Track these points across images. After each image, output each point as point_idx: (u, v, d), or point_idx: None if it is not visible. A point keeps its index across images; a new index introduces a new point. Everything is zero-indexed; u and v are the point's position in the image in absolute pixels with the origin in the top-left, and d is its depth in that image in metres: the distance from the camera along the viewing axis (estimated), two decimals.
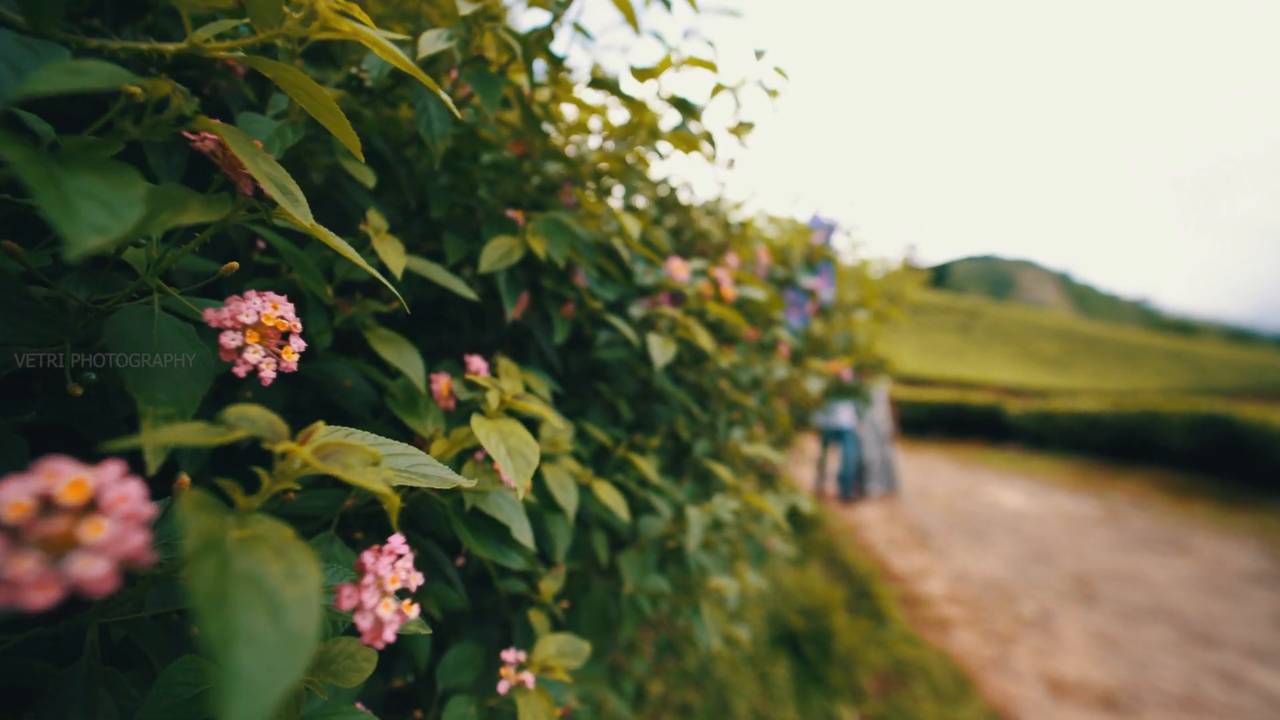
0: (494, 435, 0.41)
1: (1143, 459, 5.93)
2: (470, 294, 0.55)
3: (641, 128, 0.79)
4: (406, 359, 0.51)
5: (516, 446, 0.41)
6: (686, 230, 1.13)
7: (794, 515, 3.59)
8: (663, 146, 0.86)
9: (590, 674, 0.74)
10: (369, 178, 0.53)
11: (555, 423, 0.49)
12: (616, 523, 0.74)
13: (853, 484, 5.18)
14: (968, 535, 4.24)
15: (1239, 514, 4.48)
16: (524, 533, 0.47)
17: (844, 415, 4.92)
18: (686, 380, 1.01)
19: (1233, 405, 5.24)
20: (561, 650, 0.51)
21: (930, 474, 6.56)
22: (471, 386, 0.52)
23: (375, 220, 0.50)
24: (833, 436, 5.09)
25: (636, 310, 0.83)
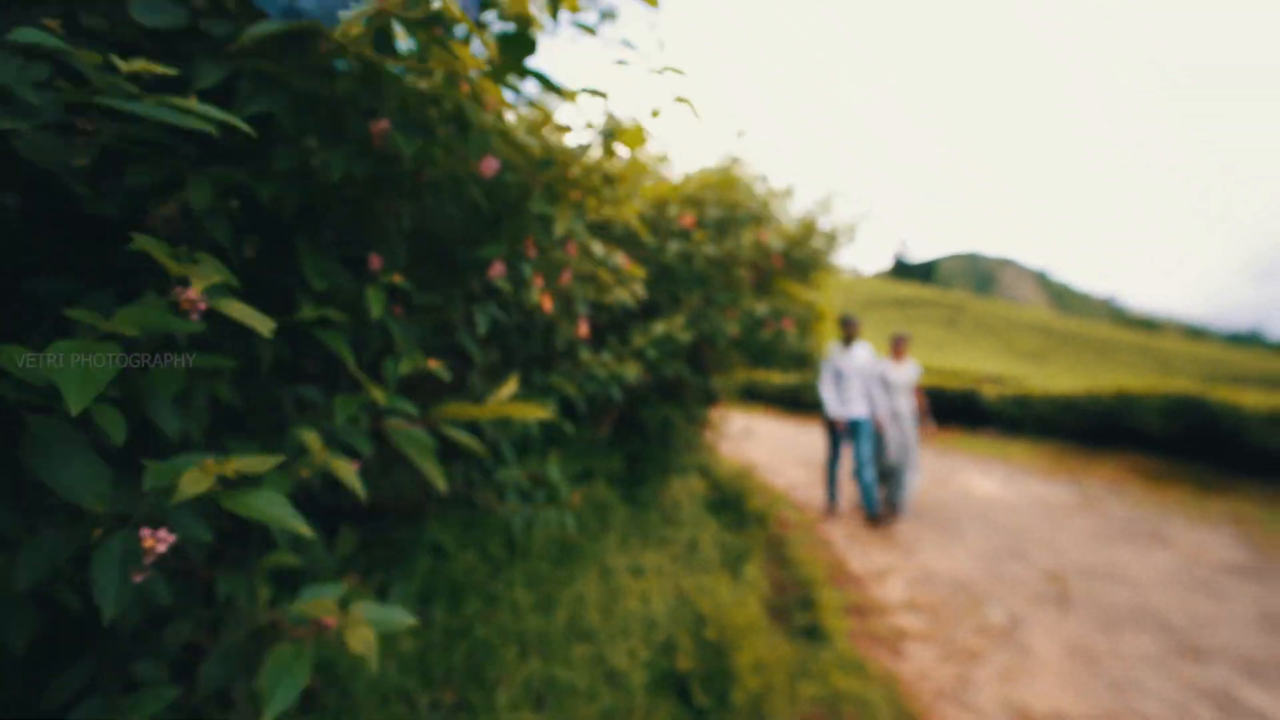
0: None
1: (1118, 443, 5.67)
2: None
3: None
4: None
5: None
6: None
7: (734, 508, 3.13)
8: None
9: None
10: None
11: None
12: None
13: (877, 497, 3.88)
14: (937, 527, 3.85)
15: (1214, 500, 4.20)
16: None
17: (858, 404, 3.74)
18: None
19: (1206, 388, 4.99)
20: None
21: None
22: None
23: None
24: (846, 432, 3.85)
25: None
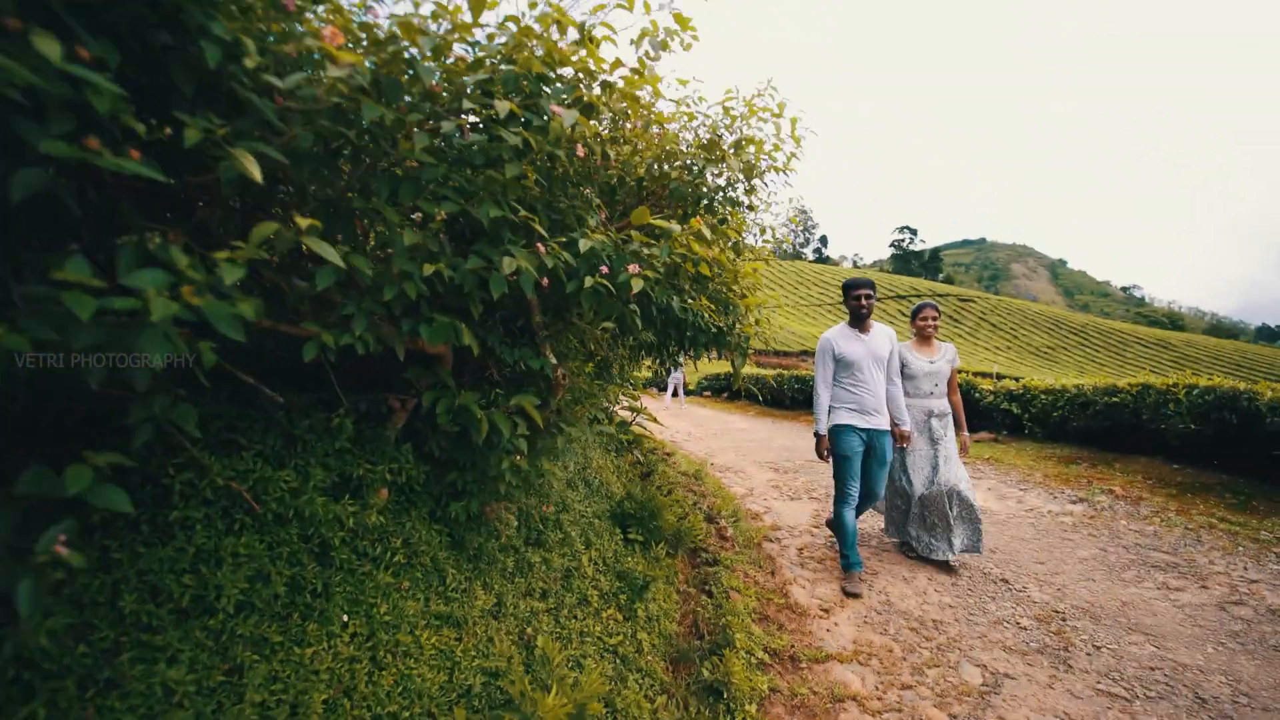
0: None
1: (1136, 448, 4.95)
2: None
3: None
4: None
5: None
6: None
7: (644, 524, 2.51)
8: None
9: None
10: None
11: None
12: None
13: (856, 553, 2.64)
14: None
15: (1255, 518, 3.50)
16: None
17: (881, 410, 2.55)
18: None
19: (1247, 383, 4.25)
20: None
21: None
22: None
23: None
24: (832, 452, 2.57)
25: None
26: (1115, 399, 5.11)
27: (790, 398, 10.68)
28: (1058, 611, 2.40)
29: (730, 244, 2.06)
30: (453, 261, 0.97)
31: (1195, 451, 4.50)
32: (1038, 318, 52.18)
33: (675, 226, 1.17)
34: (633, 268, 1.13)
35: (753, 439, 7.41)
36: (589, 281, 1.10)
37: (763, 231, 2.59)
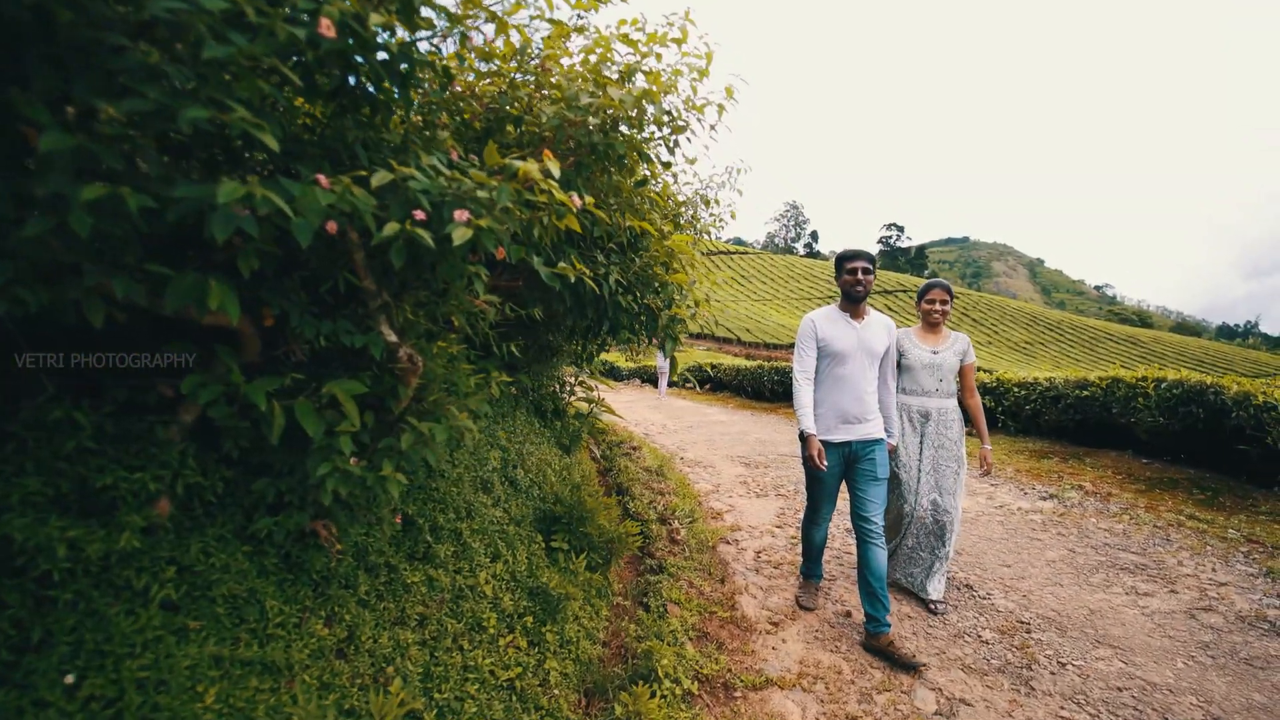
0: None
1: (1107, 442, 4.86)
2: None
3: None
4: None
5: None
6: None
7: (572, 530, 2.22)
8: None
9: None
10: None
11: None
12: None
13: (887, 598, 2.00)
14: None
15: (1223, 515, 3.40)
16: None
17: (864, 422, 2.05)
18: None
19: (1216, 377, 4.17)
20: None
21: None
22: None
23: None
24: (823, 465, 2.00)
25: None
26: (1086, 392, 5.01)
27: (770, 390, 10.54)
28: (1023, 622, 2.21)
29: (667, 215, 1.78)
30: (150, 187, 0.67)
31: (1164, 445, 4.41)
32: (1017, 314, 53.40)
33: (526, 165, 0.88)
34: (460, 214, 0.84)
35: (728, 432, 7.20)
36: (392, 229, 0.80)
37: (707, 204, 2.30)
